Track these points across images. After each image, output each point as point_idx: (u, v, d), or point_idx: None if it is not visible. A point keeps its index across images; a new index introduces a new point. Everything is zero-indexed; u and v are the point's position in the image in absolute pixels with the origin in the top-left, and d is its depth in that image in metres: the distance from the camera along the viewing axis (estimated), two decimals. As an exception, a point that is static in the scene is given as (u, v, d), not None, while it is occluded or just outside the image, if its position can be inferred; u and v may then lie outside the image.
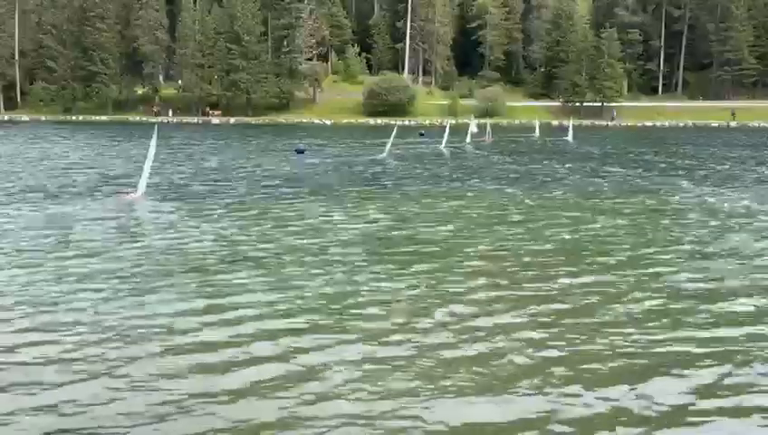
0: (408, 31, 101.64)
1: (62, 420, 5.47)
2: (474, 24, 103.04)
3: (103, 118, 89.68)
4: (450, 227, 14.00)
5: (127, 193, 18.27)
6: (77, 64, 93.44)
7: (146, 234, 13.62)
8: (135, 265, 10.54)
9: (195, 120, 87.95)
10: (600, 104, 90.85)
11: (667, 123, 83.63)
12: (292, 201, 17.62)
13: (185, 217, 15.07)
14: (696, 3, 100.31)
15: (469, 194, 19.37)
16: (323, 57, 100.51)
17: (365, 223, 14.39)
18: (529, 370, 6.53)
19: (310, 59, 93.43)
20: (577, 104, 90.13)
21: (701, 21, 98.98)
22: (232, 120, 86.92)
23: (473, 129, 46.49)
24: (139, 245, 12.25)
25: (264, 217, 15.15)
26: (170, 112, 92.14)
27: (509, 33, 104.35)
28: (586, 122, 78.53)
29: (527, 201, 17.95)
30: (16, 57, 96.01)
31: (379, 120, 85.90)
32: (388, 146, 34.13)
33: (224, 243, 12.29)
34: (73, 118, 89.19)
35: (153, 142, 18.25)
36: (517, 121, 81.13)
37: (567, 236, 13.12)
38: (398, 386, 6.10)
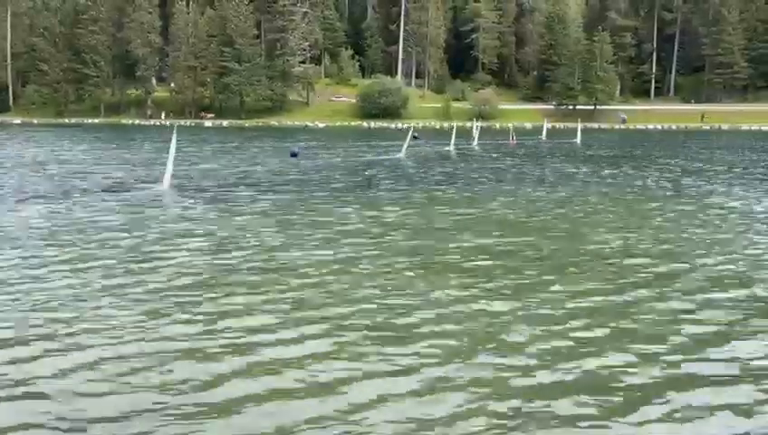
0: (402, 34, 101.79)
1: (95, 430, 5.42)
2: (467, 28, 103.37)
3: (96, 121, 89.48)
4: (490, 232, 13.30)
5: (154, 186, 19.88)
6: (69, 67, 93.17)
7: (177, 228, 13.71)
8: (171, 264, 10.51)
9: (188, 122, 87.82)
10: (592, 107, 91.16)
11: (659, 126, 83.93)
12: (322, 204, 17.05)
13: (210, 214, 15.36)
14: (689, 6, 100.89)
15: (501, 198, 18.54)
16: (316, 60, 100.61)
17: (403, 228, 13.68)
18: (590, 381, 6.34)
19: (303, 62, 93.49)
20: (570, 107, 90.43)
21: (693, 24, 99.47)
22: (225, 122, 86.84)
23: (475, 132, 47.29)
24: (174, 241, 12.30)
25: (293, 221, 14.61)
26: (163, 115, 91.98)
27: (502, 36, 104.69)
28: (578, 125, 78.48)
29: (561, 206, 17.23)
30: (8, 60, 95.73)
31: (373, 123, 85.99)
32: (405, 146, 35.14)
33: (253, 246, 11.91)
34: (66, 121, 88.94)
35: (174, 140, 20.28)
36: (510, 125, 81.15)
37: (614, 243, 12.41)
38: (462, 402, 5.91)
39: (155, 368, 6.47)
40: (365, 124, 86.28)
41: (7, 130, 66.70)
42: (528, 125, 78.58)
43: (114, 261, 10.62)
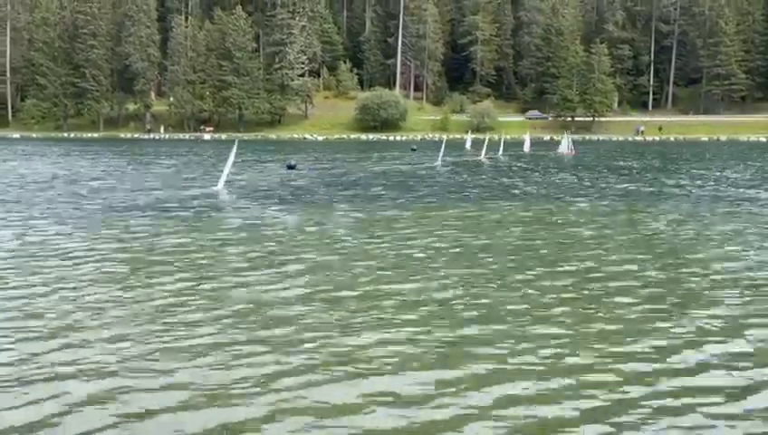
0: (400, 47, 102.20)
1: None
2: (465, 40, 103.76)
3: (95, 135, 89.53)
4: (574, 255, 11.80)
5: (210, 187, 22.57)
6: (68, 81, 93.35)
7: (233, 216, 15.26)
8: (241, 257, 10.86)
9: (187, 136, 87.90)
10: (591, 119, 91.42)
11: (657, 138, 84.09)
12: (395, 215, 16.47)
13: (263, 214, 16.27)
14: (685, 18, 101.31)
15: (554, 212, 17.22)
16: (315, 73, 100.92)
17: (473, 239, 12.91)
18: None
19: (302, 75, 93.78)
20: (568, 119, 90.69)
21: (690, 36, 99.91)
22: (223, 136, 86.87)
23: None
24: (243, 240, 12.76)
25: (355, 228, 14.26)
26: (162, 129, 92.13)
27: (500, 48, 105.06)
28: (576, 137, 78.80)
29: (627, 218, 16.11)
30: (8, 74, 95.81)
31: (371, 136, 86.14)
32: (440, 155, 37.34)
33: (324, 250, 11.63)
34: (65, 135, 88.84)
35: (234, 150, 23.34)
36: (508, 136, 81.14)
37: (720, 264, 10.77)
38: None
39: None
40: (363, 136, 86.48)
41: (11, 144, 65.51)
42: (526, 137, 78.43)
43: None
